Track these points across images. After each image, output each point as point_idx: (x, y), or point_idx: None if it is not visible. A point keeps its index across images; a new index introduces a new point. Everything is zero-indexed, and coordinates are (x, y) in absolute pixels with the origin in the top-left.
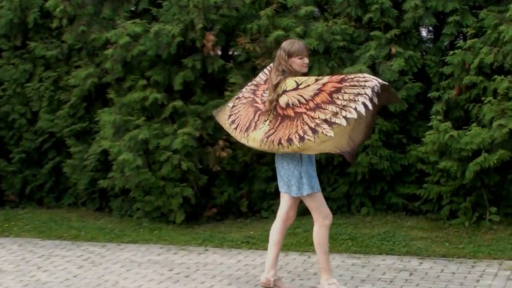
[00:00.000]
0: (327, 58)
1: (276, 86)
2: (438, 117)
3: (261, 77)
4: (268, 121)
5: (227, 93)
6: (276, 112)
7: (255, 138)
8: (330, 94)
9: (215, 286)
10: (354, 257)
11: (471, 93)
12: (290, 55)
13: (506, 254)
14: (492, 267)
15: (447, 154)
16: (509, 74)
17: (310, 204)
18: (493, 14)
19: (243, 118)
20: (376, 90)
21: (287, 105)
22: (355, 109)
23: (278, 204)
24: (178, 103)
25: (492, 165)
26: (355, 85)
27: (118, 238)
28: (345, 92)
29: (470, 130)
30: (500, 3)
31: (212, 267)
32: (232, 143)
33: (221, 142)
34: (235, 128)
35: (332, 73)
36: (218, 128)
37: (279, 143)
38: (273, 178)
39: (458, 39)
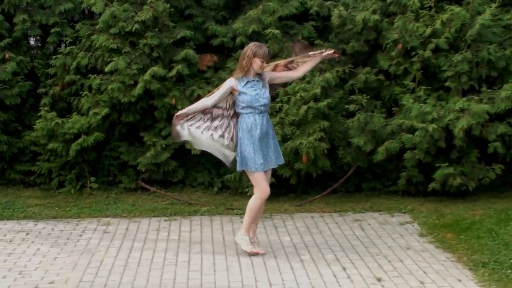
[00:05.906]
0: None
1: None
2: (46, 108)
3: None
4: None
5: None
6: None
7: None
8: None
9: None
10: None
11: (72, 88)
12: (255, 55)
13: (103, 213)
14: (93, 224)
15: (54, 137)
16: (101, 73)
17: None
18: (86, 26)
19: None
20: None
21: None
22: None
23: None
24: None
25: (90, 144)
26: None
27: None
28: None
29: (72, 118)
30: (92, 18)
31: None
32: None
33: None
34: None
35: None
36: None
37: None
38: None
39: (60, 46)
